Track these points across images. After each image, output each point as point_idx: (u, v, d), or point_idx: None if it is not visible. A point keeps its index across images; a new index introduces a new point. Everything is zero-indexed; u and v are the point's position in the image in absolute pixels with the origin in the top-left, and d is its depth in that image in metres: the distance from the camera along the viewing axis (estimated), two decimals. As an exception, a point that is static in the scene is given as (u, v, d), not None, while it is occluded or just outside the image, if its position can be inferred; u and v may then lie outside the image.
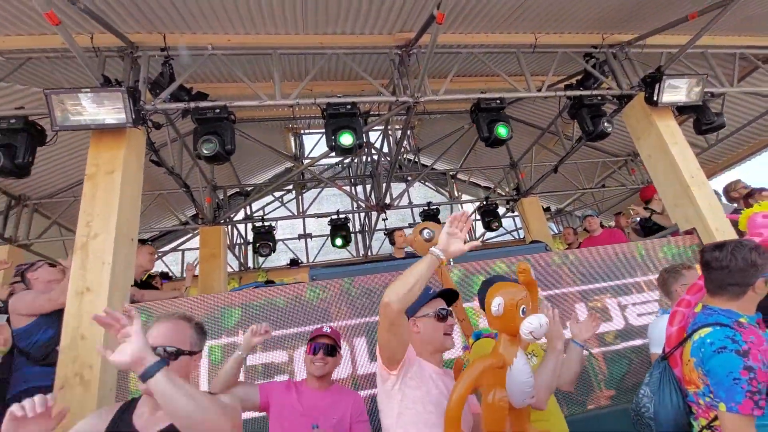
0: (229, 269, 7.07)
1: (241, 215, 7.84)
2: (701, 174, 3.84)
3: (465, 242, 1.40)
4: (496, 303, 1.39)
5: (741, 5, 3.54)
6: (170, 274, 7.75)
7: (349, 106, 3.61)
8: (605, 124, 4.08)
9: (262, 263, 8.29)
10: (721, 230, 3.48)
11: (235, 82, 4.44)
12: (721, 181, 7.62)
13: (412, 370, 1.46)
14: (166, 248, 8.56)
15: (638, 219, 4.59)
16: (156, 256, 8.02)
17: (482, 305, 2.08)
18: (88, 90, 2.86)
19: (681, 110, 4.44)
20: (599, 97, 4.24)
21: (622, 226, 5.46)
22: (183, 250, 8.57)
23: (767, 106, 5.46)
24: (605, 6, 3.93)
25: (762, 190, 3.81)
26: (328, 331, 2.01)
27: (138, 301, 2.86)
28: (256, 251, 6.75)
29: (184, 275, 7.99)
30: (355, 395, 2.04)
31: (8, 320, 2.58)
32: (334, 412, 1.87)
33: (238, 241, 8.37)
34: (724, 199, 4.13)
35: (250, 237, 8.45)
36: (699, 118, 4.54)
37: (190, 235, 8.61)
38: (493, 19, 3.93)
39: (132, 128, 3.09)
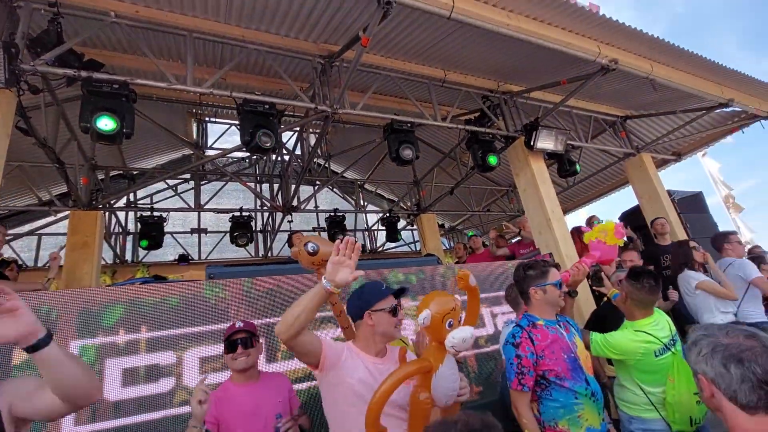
0: (102, 261, 6.20)
1: (122, 202, 6.97)
2: (559, 210, 4.72)
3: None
4: (423, 316, 1.43)
5: (597, 82, 4.49)
6: (20, 262, 6.49)
7: (267, 106, 3.59)
8: (491, 161, 4.78)
9: (144, 257, 7.45)
10: (570, 256, 4.33)
11: (136, 54, 4.03)
12: (576, 216, 9.35)
13: (336, 368, 1.57)
14: (17, 230, 7.12)
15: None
16: (5, 239, 6.68)
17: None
18: (-54, 35, 2.38)
19: (550, 156, 5.39)
20: (490, 135, 4.93)
21: (490, 237, 6.07)
22: (40, 235, 7.24)
23: (610, 160, 6.91)
24: (500, 61, 4.61)
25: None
26: (241, 325, 2.03)
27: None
28: (138, 243, 6.07)
29: (40, 264, 6.80)
30: (280, 375, 2.16)
31: None
32: (273, 396, 1.95)
33: (116, 230, 7.41)
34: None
35: (132, 226, 7.57)
36: (562, 163, 5.58)
37: (52, 218, 7.31)
38: (410, 51, 4.31)
39: (2, 89, 2.64)
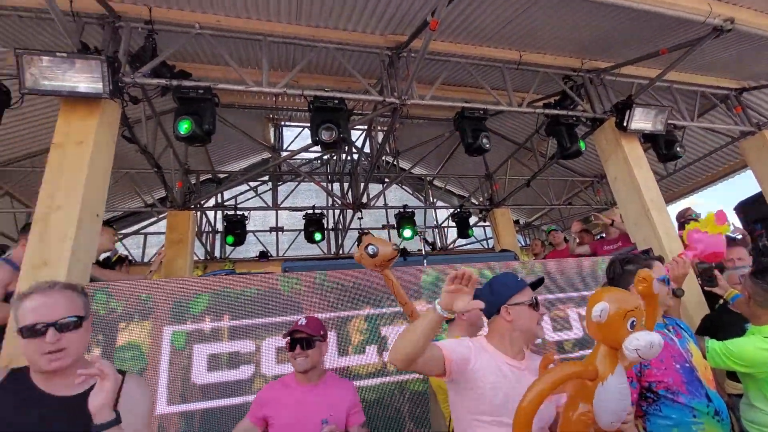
0: (194, 257, 6.84)
1: (211, 202, 7.63)
2: (660, 198, 4.11)
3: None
4: (599, 308, 1.20)
5: (705, 49, 3.83)
6: (131, 258, 7.41)
7: (336, 101, 3.62)
8: (579, 143, 4.30)
9: (230, 253, 8.08)
10: (674, 252, 3.74)
11: (219, 65, 4.33)
12: (677, 207, 8.19)
13: (464, 372, 1.42)
14: (128, 230, 8.17)
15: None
16: (117, 238, 7.67)
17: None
18: (65, 54, 2.72)
19: (646, 138, 4.73)
20: (574, 118, 4.46)
21: (572, 231, 5.19)
22: (145, 234, 8.22)
23: (720, 142, 5.91)
24: (585, 34, 4.14)
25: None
26: (303, 323, 1.96)
27: (98, 280, 2.73)
28: (226, 241, 6.58)
29: (146, 260, 7.70)
30: (348, 384, 2.03)
31: None
32: (333, 403, 1.87)
33: (207, 229, 8.13)
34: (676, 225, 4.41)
35: (220, 225, 8.25)
36: (661, 147, 4.86)
37: (155, 218, 8.27)
38: (481, 33, 4.06)
39: (108, 99, 2.96)
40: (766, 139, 5.13)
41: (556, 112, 4.44)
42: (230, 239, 6.55)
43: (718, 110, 5.43)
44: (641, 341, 1.12)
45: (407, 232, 7.00)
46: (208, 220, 8.19)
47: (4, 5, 3.18)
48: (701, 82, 5.14)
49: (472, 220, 8.05)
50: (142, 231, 8.20)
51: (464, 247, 9.26)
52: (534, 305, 1.52)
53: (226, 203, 7.95)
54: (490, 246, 9.37)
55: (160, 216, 7.79)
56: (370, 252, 2.10)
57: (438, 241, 9.55)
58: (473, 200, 8.46)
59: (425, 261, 3.19)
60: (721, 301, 2.70)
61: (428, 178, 8.56)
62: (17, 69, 2.74)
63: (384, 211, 8.75)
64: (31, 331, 1.19)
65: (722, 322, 2.49)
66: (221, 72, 4.35)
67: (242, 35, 3.73)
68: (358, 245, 5.83)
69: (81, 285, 1.40)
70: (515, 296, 1.52)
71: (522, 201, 7.87)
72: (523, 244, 9.62)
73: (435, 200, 9.36)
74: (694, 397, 1.58)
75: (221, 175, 7.46)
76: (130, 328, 2.42)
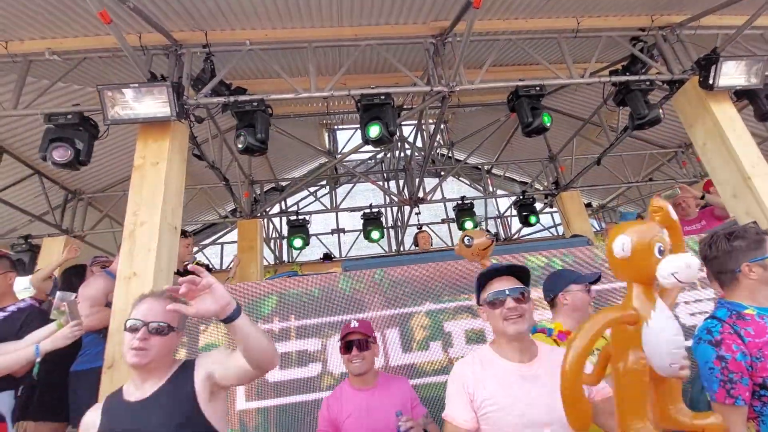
0: (265, 262, 7.27)
1: (276, 210, 8.05)
2: (764, 164, 3.53)
3: None
4: (620, 242, 1.08)
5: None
6: (210, 266, 8.09)
7: (382, 97, 3.60)
8: (658, 110, 3.83)
9: (297, 257, 8.47)
10: (788, 224, 3.19)
11: (271, 77, 4.54)
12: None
13: (479, 410, 1.37)
14: (207, 241, 8.93)
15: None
16: (195, 248, 8.39)
17: (547, 297, 1.98)
18: (137, 85, 3.02)
19: (739, 95, 4.08)
20: (648, 83, 3.98)
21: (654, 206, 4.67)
22: (222, 243, 8.92)
23: (843, 90, 4.92)
24: (655, -15, 3.69)
25: None
26: (356, 325, 1.96)
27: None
28: (290, 244, 6.91)
29: (225, 267, 8.35)
30: (403, 380, 2.04)
31: None
32: (391, 403, 1.86)
33: (273, 235, 8.60)
34: None
35: (285, 231, 8.69)
36: (760, 103, 4.16)
37: (228, 228, 8.95)
38: (531, 4, 3.78)
39: (176, 121, 3.23)
40: None
41: (625, 78, 3.99)
42: (294, 240, 6.83)
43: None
44: (676, 262, 0.98)
45: (468, 224, 6.78)
46: (274, 227, 8.66)
47: (88, 49, 3.60)
48: (809, 20, 4.32)
49: (538, 206, 7.59)
50: (219, 241, 8.92)
51: (531, 236, 8.78)
52: (491, 302, 1.41)
53: (289, 209, 8.34)
54: (560, 233, 8.78)
55: (232, 226, 8.41)
56: (467, 243, 2.21)
57: (501, 232, 9.15)
58: (537, 185, 7.98)
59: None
60: None
61: (486, 167, 8.24)
62: (100, 104, 3.09)
63: (442, 204, 8.59)
64: (128, 327, 1.38)
65: None
66: (273, 84, 4.55)
67: (289, 45, 3.86)
68: (415, 246, 5.87)
69: (185, 300, 1.58)
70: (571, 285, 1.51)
71: (593, 181, 7.25)
72: (598, 228, 8.88)
73: (495, 189, 8.98)
74: None
75: (283, 183, 7.84)
76: (209, 331, 2.61)
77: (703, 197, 3.88)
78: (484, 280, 1.51)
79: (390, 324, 2.66)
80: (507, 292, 1.40)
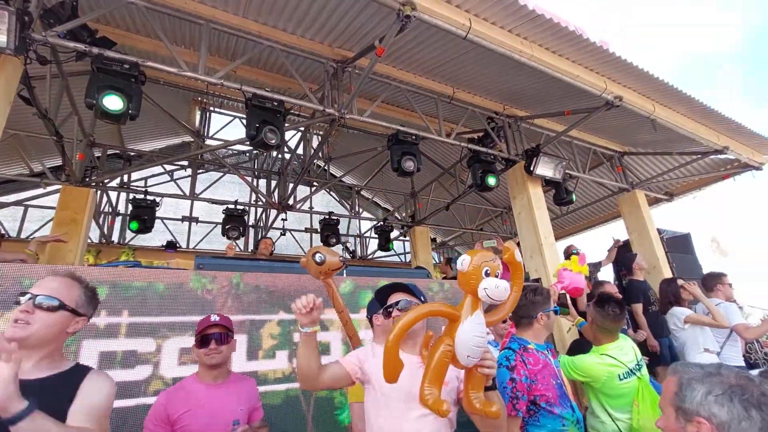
0: (88, 240, 6.09)
1: (116, 182, 6.89)
2: (552, 236, 4.77)
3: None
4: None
5: (600, 116, 4.59)
6: (3, 231, 6.35)
7: (275, 103, 3.60)
8: (490, 181, 4.81)
9: (131, 239, 7.34)
10: (557, 284, 4.37)
11: (150, 38, 4.02)
12: (565, 244, 9.43)
13: (366, 374, 1.62)
14: (6, 198, 6.98)
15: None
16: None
17: (369, 316, 2.27)
18: (-38, -4, 2.35)
19: (547, 182, 5.46)
20: (492, 156, 4.99)
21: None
22: (27, 206, 7.10)
23: (603, 193, 7.02)
24: (507, 85, 4.69)
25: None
26: (217, 319, 1.94)
27: (-33, 259, 2.36)
28: (127, 225, 5.99)
29: (24, 236, 6.66)
30: (250, 382, 2.03)
31: None
32: (237, 401, 1.85)
33: (106, 209, 7.30)
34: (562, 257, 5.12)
35: (122, 207, 7.47)
36: (558, 192, 5.65)
37: (41, 191, 7.16)
38: (423, 65, 4.37)
39: (10, 55, 2.61)
40: (635, 197, 6.24)
41: (477, 148, 4.92)
42: (134, 225, 5.97)
43: (604, 167, 6.46)
44: (488, 282, 1.31)
45: (332, 240, 7.05)
46: (109, 200, 7.36)
47: None
48: (594, 141, 6.09)
49: (394, 234, 8.39)
50: (25, 203, 7.06)
51: (383, 259, 9.56)
52: (403, 308, 1.73)
53: (133, 184, 7.23)
54: (407, 260, 9.81)
55: (49, 189, 6.80)
56: (318, 260, 2.14)
57: (359, 250, 9.73)
58: (397, 215, 8.83)
59: (344, 271, 3.30)
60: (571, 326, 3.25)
61: (357, 188, 8.73)
62: None
63: (309, 215, 8.69)
64: (22, 297, 1.27)
65: (582, 345, 3.01)
66: (151, 45, 4.04)
67: (181, 15, 3.54)
68: (254, 249, 5.86)
69: (91, 288, 1.43)
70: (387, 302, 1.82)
71: (440, 221, 8.43)
72: (437, 260, 10.24)
73: (361, 210, 9.56)
74: (564, 408, 1.88)
75: (131, 153, 6.79)
76: (6, 318, 2.14)
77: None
78: (386, 294, 1.85)
79: (240, 329, 2.63)
80: (411, 302, 1.74)
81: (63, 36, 3.04)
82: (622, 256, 5.51)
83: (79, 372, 1.32)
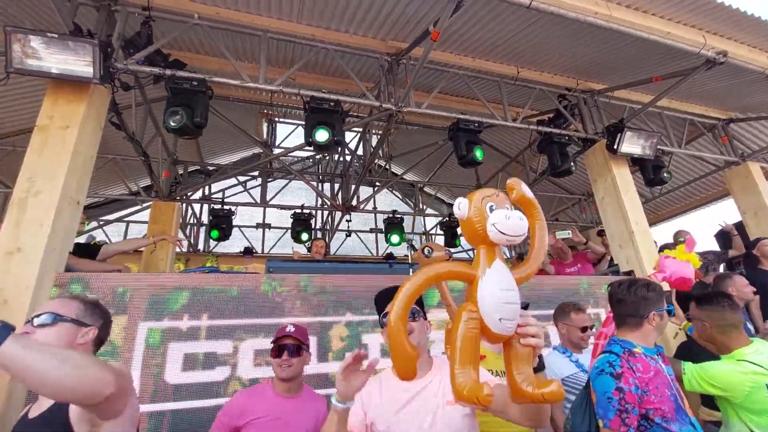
0: (177, 249, 6.70)
1: (198, 195, 7.49)
2: (645, 222, 4.18)
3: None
4: (457, 203, 1.08)
5: (697, 79, 3.92)
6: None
7: (332, 103, 3.59)
8: (571, 163, 4.35)
9: (214, 247, 7.95)
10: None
11: (216, 57, 4.26)
12: (660, 230, 8.35)
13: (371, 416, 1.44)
14: (110, 217, 7.97)
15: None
16: (95, 223, 7.47)
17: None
18: (56, 35, 2.64)
19: (634, 161, 4.82)
20: (566, 137, 4.52)
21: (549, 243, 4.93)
22: (128, 222, 8.03)
23: (705, 169, 6.06)
24: (582, 56, 4.20)
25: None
26: (292, 330, 1.93)
27: (74, 270, 2.64)
28: (209, 234, 6.48)
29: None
30: (322, 401, 1.96)
31: None
32: (306, 419, 1.81)
33: (191, 221, 7.99)
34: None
35: (205, 218, 8.11)
36: (648, 171, 4.96)
37: (138, 207, 8.08)
38: (481, 47, 4.08)
39: (97, 85, 2.88)
40: (748, 171, 5.28)
41: (549, 129, 4.49)
42: (215, 233, 6.43)
43: (705, 139, 5.57)
44: (497, 216, 1.01)
45: (395, 238, 6.98)
46: (193, 212, 8.04)
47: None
48: (691, 110, 5.27)
49: (460, 230, 8.08)
50: (125, 219, 8.00)
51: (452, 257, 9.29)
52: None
53: (213, 196, 7.82)
54: (476, 256, 9.42)
55: (144, 205, 7.62)
56: (426, 254, 2.28)
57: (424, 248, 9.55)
58: (462, 210, 8.50)
59: (411, 269, 3.17)
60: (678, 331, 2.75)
61: (419, 185, 8.57)
62: (5, 46, 2.64)
63: (373, 215, 8.72)
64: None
65: (692, 350, 2.52)
66: (217, 64, 4.28)
67: (241, 29, 3.68)
68: (308, 251, 5.86)
69: (91, 300, 1.46)
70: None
71: (510, 214, 7.93)
72: (508, 255, 9.69)
73: (425, 207, 9.38)
74: (683, 425, 1.55)
75: (210, 168, 7.34)
76: (103, 322, 2.34)
77: (586, 243, 4.43)
78: (382, 303, 1.59)
79: (309, 331, 2.62)
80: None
81: (141, 62, 3.31)
82: (732, 241, 4.72)
83: None
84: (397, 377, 1.01)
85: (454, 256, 9.23)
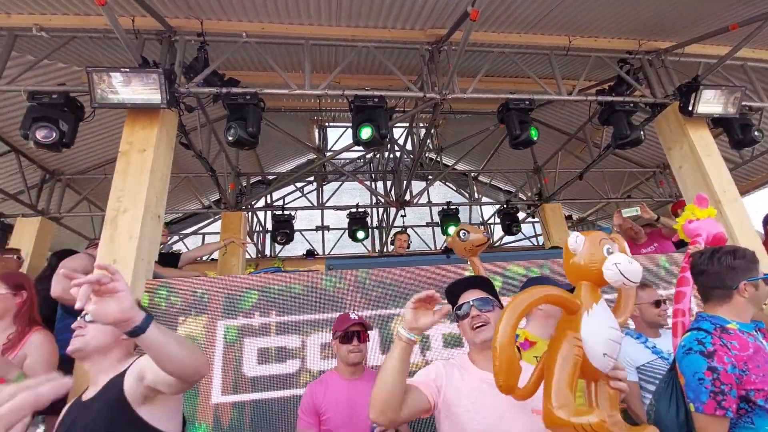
0: (247, 255, 7.21)
1: (261, 203, 7.98)
2: (734, 189, 3.71)
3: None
4: (574, 237, 1.15)
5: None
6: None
7: (376, 99, 3.63)
8: (640, 132, 3.97)
9: (279, 252, 8.42)
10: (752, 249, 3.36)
11: (265, 71, 4.51)
12: (755, 199, 7.34)
13: (441, 402, 1.35)
14: (188, 231, 8.78)
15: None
16: (176, 237, 8.24)
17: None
18: (128, 69, 2.97)
19: (716, 122, 4.27)
20: (632, 104, 4.14)
21: (614, 224, 4.15)
22: (203, 234, 8.78)
23: (810, 124, 5.21)
24: (643, 13, 3.82)
25: None
26: (357, 318, 2.03)
27: (160, 277, 2.95)
28: (273, 239, 6.87)
29: (204, 259, 8.22)
30: None
31: None
32: None
33: (257, 229, 8.52)
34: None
35: (269, 225, 8.61)
36: (734, 132, 4.37)
37: (211, 219, 8.81)
38: (526, 20, 3.88)
39: (166, 109, 3.19)
40: None
41: (610, 98, 4.14)
42: (277, 239, 6.78)
43: (805, 87, 4.79)
44: (620, 257, 1.06)
45: (451, 230, 6.87)
46: (258, 220, 8.57)
47: (78, 28, 3.52)
48: (783, 57, 4.57)
49: (520, 216, 7.74)
50: (200, 231, 8.77)
51: (512, 245, 8.95)
52: (461, 315, 1.46)
53: (274, 204, 8.28)
54: (540, 243, 8.98)
55: (216, 217, 8.28)
56: (462, 237, 2.16)
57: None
58: (521, 195, 8.15)
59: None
60: None
61: (472, 174, 8.36)
62: (88, 85, 3.03)
63: (428, 208, 8.68)
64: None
65: None
66: (267, 78, 4.53)
67: (285, 40, 3.86)
68: (391, 243, 5.78)
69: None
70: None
71: (575, 195, 7.45)
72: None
73: (480, 196, 9.13)
74: None
75: (270, 177, 7.78)
76: (188, 322, 2.59)
77: (658, 219, 3.91)
78: (454, 296, 1.54)
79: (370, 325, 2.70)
80: (471, 303, 1.46)
81: (201, 84, 3.60)
82: None
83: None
84: (498, 390, 1.05)
85: (514, 244, 8.88)
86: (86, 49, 3.92)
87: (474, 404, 1.32)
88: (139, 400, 1.24)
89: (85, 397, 1.36)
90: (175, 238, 8.43)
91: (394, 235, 5.55)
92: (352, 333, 1.98)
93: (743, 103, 4.00)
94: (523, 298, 1.07)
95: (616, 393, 1.07)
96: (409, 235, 5.68)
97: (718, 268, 1.57)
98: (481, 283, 1.55)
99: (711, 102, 3.83)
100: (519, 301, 1.07)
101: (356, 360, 1.96)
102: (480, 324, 1.41)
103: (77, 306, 0.95)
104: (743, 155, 5.65)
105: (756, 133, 4.30)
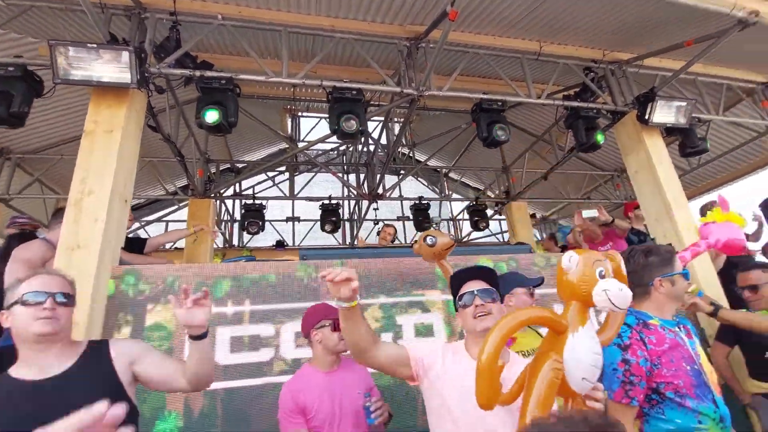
0: (214, 245, 7.02)
1: (230, 192, 7.78)
2: (683, 195, 4.03)
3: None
4: (568, 256, 1.18)
5: (731, 41, 3.71)
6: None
7: (354, 92, 3.65)
8: (599, 138, 4.22)
9: (248, 242, 8.25)
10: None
11: (240, 55, 4.40)
12: (700, 204, 7.96)
13: (430, 379, 1.46)
14: (151, 217, 8.41)
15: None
16: (137, 224, 7.89)
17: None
18: (95, 45, 2.82)
19: (669, 131, 4.62)
20: (594, 111, 4.39)
21: (575, 223, 4.45)
22: (167, 222, 8.44)
23: (747, 136, 5.73)
24: (607, 25, 4.05)
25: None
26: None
27: (127, 263, 2.85)
28: (244, 228, 6.74)
29: (167, 247, 7.92)
30: (360, 365, 2.01)
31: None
32: (358, 380, 1.92)
33: (225, 218, 8.30)
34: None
35: (238, 214, 8.41)
36: (684, 141, 4.76)
37: (176, 207, 8.48)
38: (502, 23, 4.01)
39: (135, 89, 3.06)
40: (795, 134, 4.97)
41: (575, 104, 4.37)
42: (248, 228, 6.66)
43: (744, 104, 5.27)
44: (610, 284, 1.09)
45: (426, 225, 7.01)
46: (227, 209, 8.35)
47: (37, -3, 3.29)
48: (727, 74, 4.98)
49: (488, 213, 8.01)
50: (164, 219, 8.42)
51: (479, 240, 9.23)
52: (463, 304, 1.53)
53: (244, 192, 8.10)
54: (506, 240, 9.33)
55: (181, 204, 7.99)
56: (429, 242, 2.12)
57: (453, 233, 9.54)
58: (489, 193, 8.41)
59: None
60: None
61: (444, 170, 8.54)
62: (50, 59, 2.85)
63: (399, 202, 8.78)
64: (26, 300, 1.31)
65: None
66: (242, 63, 4.41)
67: (263, 26, 3.78)
68: (377, 234, 5.73)
69: (71, 277, 1.53)
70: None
71: (539, 194, 7.79)
72: (539, 238, 9.54)
73: (450, 192, 9.34)
74: (702, 401, 1.50)
75: (240, 165, 7.60)
76: (157, 310, 2.54)
77: (613, 221, 4.18)
78: (457, 285, 1.61)
79: (344, 314, 2.74)
80: (475, 292, 1.52)
81: (172, 66, 3.47)
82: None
83: (100, 346, 1.47)
84: (477, 403, 1.11)
85: (481, 240, 9.18)
86: (44, 20, 3.67)
87: (463, 396, 1.37)
88: (128, 381, 1.42)
89: (30, 377, 1.28)
90: (137, 225, 8.05)
91: (383, 226, 5.59)
92: (338, 322, 1.97)
93: (693, 114, 4.35)
94: (509, 320, 1.10)
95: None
96: (396, 230, 5.68)
97: (633, 267, 1.69)
98: (485, 273, 1.60)
99: (665, 112, 4.13)
100: (505, 323, 1.09)
101: (344, 347, 1.90)
102: (483, 313, 1.47)
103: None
104: (691, 163, 6.13)
105: (704, 143, 4.69)
